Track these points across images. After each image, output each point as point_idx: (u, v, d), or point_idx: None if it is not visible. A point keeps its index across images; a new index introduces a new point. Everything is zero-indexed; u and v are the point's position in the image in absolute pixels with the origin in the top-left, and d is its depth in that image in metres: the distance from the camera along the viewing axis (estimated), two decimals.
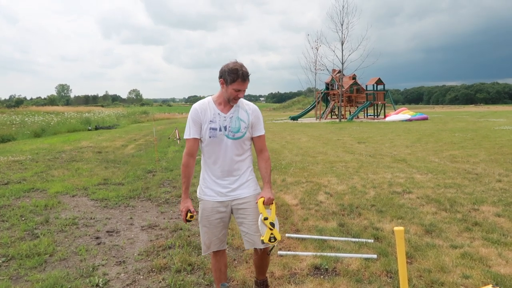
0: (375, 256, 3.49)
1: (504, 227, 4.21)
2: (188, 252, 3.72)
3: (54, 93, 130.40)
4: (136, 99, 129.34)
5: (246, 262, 3.49)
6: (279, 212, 4.92)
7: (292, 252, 3.64)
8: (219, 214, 2.52)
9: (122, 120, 30.38)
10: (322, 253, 3.57)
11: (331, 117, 33.21)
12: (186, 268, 3.39)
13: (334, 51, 31.82)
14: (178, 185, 6.74)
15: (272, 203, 2.43)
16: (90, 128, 23.27)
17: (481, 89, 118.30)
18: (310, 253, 3.60)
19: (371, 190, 6.03)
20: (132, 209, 5.37)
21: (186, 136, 2.48)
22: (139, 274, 3.34)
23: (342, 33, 30.51)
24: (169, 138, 15.65)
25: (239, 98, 2.43)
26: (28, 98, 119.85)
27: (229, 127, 2.44)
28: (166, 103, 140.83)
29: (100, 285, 3.14)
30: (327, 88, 34.02)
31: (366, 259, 3.44)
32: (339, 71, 31.42)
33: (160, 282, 3.18)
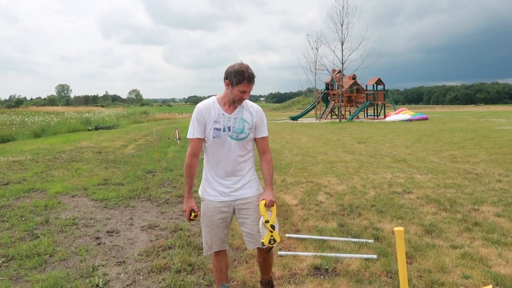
0: (375, 256, 3.49)
1: (504, 227, 4.21)
2: (188, 252, 3.72)
3: (54, 93, 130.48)
4: (136, 99, 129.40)
5: (246, 263, 3.50)
6: (279, 212, 4.92)
7: (292, 253, 3.64)
8: (222, 214, 2.52)
9: (122, 120, 30.38)
10: (322, 253, 3.57)
11: (331, 117, 33.22)
12: (186, 268, 3.39)
13: (334, 51, 31.86)
14: (178, 185, 6.74)
15: (273, 205, 2.44)
16: (90, 128, 23.27)
17: (481, 89, 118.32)
18: (310, 253, 3.60)
19: (371, 190, 6.03)
20: (132, 209, 5.37)
21: (189, 136, 2.46)
22: (139, 274, 3.34)
23: (342, 33, 30.57)
24: (169, 138, 15.66)
25: (244, 99, 2.44)
26: (28, 98, 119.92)
27: (233, 127, 2.44)
28: (166, 103, 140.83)
29: (100, 285, 3.14)
30: (327, 88, 34.03)
31: (366, 259, 3.44)
32: (339, 71, 31.43)
33: (160, 282, 3.18)
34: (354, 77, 32.83)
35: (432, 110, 52.07)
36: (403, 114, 28.21)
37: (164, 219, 4.92)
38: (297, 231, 4.28)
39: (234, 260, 3.57)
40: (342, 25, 30.44)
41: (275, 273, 3.22)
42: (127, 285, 3.16)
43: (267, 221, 2.35)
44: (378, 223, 4.45)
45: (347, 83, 32.44)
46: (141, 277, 3.29)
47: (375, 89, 32.71)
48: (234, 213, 2.57)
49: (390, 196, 5.62)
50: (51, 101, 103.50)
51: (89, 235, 4.35)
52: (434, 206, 5.10)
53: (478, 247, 3.66)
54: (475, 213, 4.75)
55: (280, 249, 3.74)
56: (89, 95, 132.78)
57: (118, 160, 9.89)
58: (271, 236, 2.36)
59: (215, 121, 2.42)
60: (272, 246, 2.48)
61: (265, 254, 2.64)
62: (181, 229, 4.44)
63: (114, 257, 3.74)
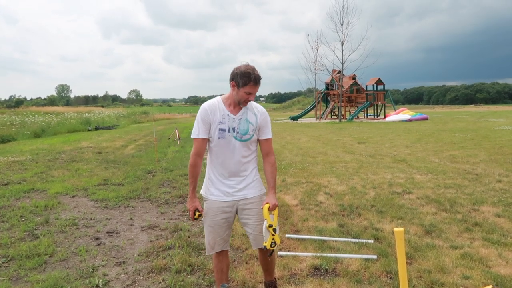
0: (375, 256, 3.49)
1: (504, 227, 4.21)
2: (188, 252, 3.72)
3: (54, 93, 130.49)
4: (136, 99, 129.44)
5: (246, 263, 3.50)
6: (279, 213, 4.92)
7: (292, 253, 3.64)
8: (225, 214, 2.53)
9: (122, 121, 30.39)
10: (322, 254, 3.57)
11: (331, 117, 33.22)
12: (186, 268, 3.39)
13: (334, 51, 31.86)
14: (178, 186, 6.74)
15: (275, 209, 2.45)
16: (90, 128, 23.27)
17: (481, 89, 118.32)
18: (310, 254, 3.60)
19: (371, 191, 6.03)
20: (132, 210, 5.37)
21: (194, 136, 2.46)
22: (139, 274, 3.34)
23: (342, 33, 30.57)
24: (169, 138, 15.65)
25: (250, 101, 2.44)
26: (28, 98, 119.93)
27: (237, 128, 2.44)
28: (166, 103, 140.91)
29: (100, 285, 3.14)
30: (327, 88, 34.03)
31: (366, 259, 3.45)
32: (339, 71, 31.44)
33: (160, 282, 3.18)
34: (354, 77, 32.84)
35: (432, 110, 52.08)
36: (403, 114, 28.22)
37: (164, 219, 4.92)
38: (297, 232, 4.28)
39: (234, 260, 3.57)
40: (342, 25, 30.47)
41: (275, 273, 3.22)
42: (127, 286, 3.16)
43: (270, 226, 2.36)
44: (378, 224, 4.46)
45: (347, 83, 32.44)
46: (141, 278, 3.29)
47: (375, 89, 32.71)
48: (237, 213, 2.58)
49: (390, 197, 5.62)
50: (51, 101, 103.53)
51: (89, 236, 4.35)
52: (434, 206, 5.10)
53: (478, 248, 3.66)
54: (475, 213, 4.75)
55: (280, 250, 3.74)
56: (89, 95, 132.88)
57: (118, 160, 9.89)
58: (273, 239, 2.37)
59: (220, 122, 2.42)
60: (274, 249, 2.49)
61: (266, 255, 2.64)
62: (181, 230, 4.44)
63: (114, 257, 3.74)
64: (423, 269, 3.22)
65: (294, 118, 32.66)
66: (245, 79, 2.33)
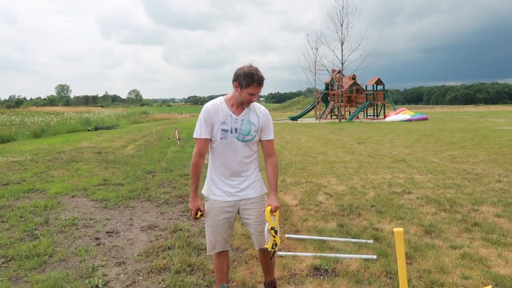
0: (374, 256, 3.49)
1: (503, 227, 4.21)
2: (187, 252, 3.72)
3: (54, 93, 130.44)
4: (136, 99, 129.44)
5: (246, 263, 3.50)
6: (279, 213, 4.91)
7: (292, 253, 3.64)
8: (226, 214, 2.53)
9: (122, 121, 30.37)
10: (321, 254, 3.57)
11: (331, 117, 33.22)
12: (186, 269, 3.39)
13: (333, 51, 31.92)
14: (177, 186, 6.74)
15: (277, 210, 2.45)
16: (89, 128, 23.27)
17: (480, 89, 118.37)
18: (309, 254, 3.60)
19: (370, 191, 6.03)
20: (132, 210, 5.37)
21: (196, 136, 2.46)
22: (139, 275, 3.34)
23: (341, 33, 30.57)
24: (168, 138, 15.65)
25: (253, 102, 2.44)
26: (28, 98, 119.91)
27: (239, 129, 2.45)
28: (166, 103, 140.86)
29: (100, 286, 3.14)
30: (326, 88, 34.04)
31: (366, 259, 3.45)
32: (339, 71, 31.45)
33: (160, 283, 3.18)
34: (353, 77, 32.85)
35: (431, 110, 52.10)
36: (402, 114, 28.22)
37: (163, 219, 4.92)
38: (297, 232, 4.28)
39: (234, 260, 3.57)
40: (342, 25, 30.47)
41: (275, 273, 3.22)
42: (127, 286, 3.16)
43: (272, 228, 2.37)
44: (378, 224, 4.46)
45: (346, 83, 32.45)
46: (141, 278, 3.29)
47: (374, 89, 32.72)
48: (238, 213, 2.58)
49: (390, 197, 5.62)
50: (50, 101, 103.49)
51: (89, 236, 4.35)
52: (434, 206, 5.10)
53: (478, 248, 3.66)
54: (474, 213, 4.75)
55: (280, 250, 3.74)
56: (89, 95, 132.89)
57: (117, 160, 9.89)
58: (274, 240, 2.38)
59: (222, 122, 2.43)
60: (275, 251, 2.50)
61: (266, 255, 2.65)
62: (181, 230, 4.44)
63: (113, 257, 3.74)
64: (423, 269, 3.22)
65: (294, 118, 32.66)
66: (248, 80, 2.33)
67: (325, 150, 11.19)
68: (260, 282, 3.09)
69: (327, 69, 32.23)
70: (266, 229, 2.37)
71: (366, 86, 33.43)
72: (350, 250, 3.71)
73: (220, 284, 2.66)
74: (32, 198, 6.05)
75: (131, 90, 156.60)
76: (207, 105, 2.46)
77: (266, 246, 2.38)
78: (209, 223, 2.56)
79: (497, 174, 7.01)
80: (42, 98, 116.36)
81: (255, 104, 2.52)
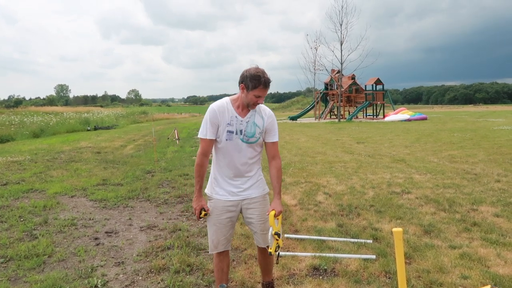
0: (374, 256, 3.50)
1: (502, 227, 4.22)
2: (187, 252, 3.72)
3: (53, 93, 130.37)
4: (135, 99, 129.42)
5: (245, 263, 3.50)
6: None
7: (291, 253, 3.64)
8: (230, 213, 2.55)
9: (121, 120, 30.35)
10: (321, 254, 3.57)
11: (330, 117, 33.23)
12: (185, 269, 3.39)
13: (333, 51, 31.89)
14: (177, 186, 6.74)
15: (280, 214, 2.47)
16: (89, 128, 23.25)
17: (480, 89, 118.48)
18: (309, 254, 3.60)
19: (370, 191, 6.03)
20: (131, 210, 5.37)
21: (202, 136, 2.46)
22: (138, 275, 3.34)
23: (341, 33, 30.56)
24: (168, 138, 15.65)
25: (259, 104, 2.44)
26: (27, 98, 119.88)
27: (244, 131, 2.46)
28: (165, 103, 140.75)
29: (99, 286, 3.14)
30: (326, 88, 34.05)
31: (365, 259, 3.45)
32: (338, 71, 31.45)
33: (159, 283, 3.18)
34: (353, 77, 32.86)
35: (431, 110, 52.14)
36: (402, 114, 28.24)
37: (163, 219, 4.92)
38: (296, 232, 4.28)
39: (233, 260, 3.57)
40: (341, 25, 30.46)
41: (274, 273, 3.22)
42: (126, 286, 3.16)
43: (276, 233, 2.39)
44: (377, 223, 4.46)
45: (346, 83, 32.46)
46: (140, 278, 3.29)
47: (374, 89, 32.72)
48: (241, 212, 2.60)
49: (389, 196, 5.62)
50: (50, 101, 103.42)
51: (88, 236, 4.34)
52: (433, 206, 5.10)
53: (477, 247, 3.66)
54: (473, 213, 4.76)
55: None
56: (88, 95, 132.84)
57: (117, 160, 9.88)
58: (277, 244, 2.41)
59: (228, 124, 2.43)
60: (279, 253, 2.53)
61: (266, 254, 2.67)
62: (180, 230, 4.43)
63: (113, 257, 3.74)
64: (422, 269, 3.22)
65: (293, 118, 32.67)
66: (255, 82, 2.33)
67: (325, 150, 11.20)
68: (259, 282, 3.09)
69: (326, 69, 32.25)
70: (270, 234, 2.39)
71: (365, 86, 33.44)
72: (349, 250, 3.71)
73: (220, 284, 2.67)
74: (31, 198, 6.04)
75: (130, 90, 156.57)
76: (213, 105, 2.46)
77: (270, 250, 2.40)
78: (212, 222, 2.57)
79: (496, 174, 7.01)
80: (42, 98, 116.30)
81: (261, 106, 2.52)
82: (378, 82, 32.46)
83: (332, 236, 4.05)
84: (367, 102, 31.78)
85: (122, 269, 3.46)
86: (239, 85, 2.40)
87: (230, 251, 3.74)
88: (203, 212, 2.51)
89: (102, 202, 5.74)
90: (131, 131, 20.92)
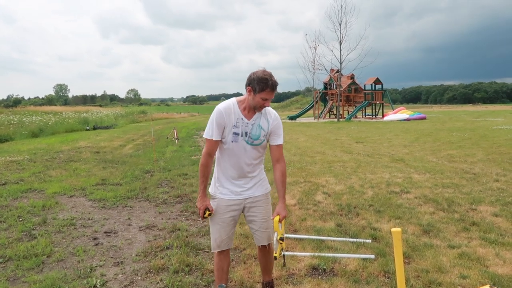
0: (373, 256, 3.50)
1: (501, 227, 4.22)
2: (186, 252, 3.72)
3: (52, 93, 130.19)
4: (134, 99, 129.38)
5: (244, 263, 3.50)
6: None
7: (290, 253, 3.64)
8: (233, 212, 2.57)
9: (120, 120, 30.32)
10: (320, 254, 3.57)
11: (329, 116, 33.24)
12: (184, 268, 3.39)
13: (332, 51, 31.82)
14: (176, 185, 6.74)
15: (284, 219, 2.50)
16: (88, 128, 23.22)
17: (479, 88, 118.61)
18: (308, 254, 3.60)
19: (369, 190, 6.03)
20: (130, 210, 5.37)
21: (208, 137, 2.46)
22: (137, 275, 3.34)
23: (340, 32, 30.49)
24: (167, 138, 15.64)
25: (266, 106, 2.45)
26: (26, 98, 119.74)
27: (249, 133, 2.47)
28: (164, 103, 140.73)
29: (98, 286, 3.14)
30: (325, 87, 34.06)
31: (364, 259, 3.45)
32: (337, 71, 31.45)
33: (158, 283, 3.18)
34: (352, 77, 32.86)
35: (430, 110, 52.17)
36: (401, 113, 28.26)
37: (162, 219, 4.92)
38: (295, 231, 4.28)
39: (232, 260, 3.56)
40: (340, 24, 30.41)
41: (273, 273, 3.22)
42: (125, 286, 3.15)
43: (281, 238, 2.41)
44: (376, 223, 4.46)
45: (345, 82, 32.47)
46: (139, 278, 3.28)
47: (373, 88, 32.75)
48: (243, 211, 2.62)
49: (388, 196, 5.62)
50: (49, 100, 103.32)
51: (87, 236, 4.34)
52: (432, 206, 5.11)
53: (476, 247, 3.67)
54: (472, 212, 4.76)
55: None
56: (87, 94, 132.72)
57: (116, 160, 9.88)
58: (281, 247, 2.43)
59: (234, 126, 2.44)
60: (284, 255, 2.56)
61: (266, 253, 2.71)
62: (179, 229, 4.43)
63: (112, 257, 3.74)
64: (421, 269, 3.22)
65: (292, 118, 32.67)
66: (262, 85, 2.34)
67: (324, 150, 11.20)
68: (258, 282, 3.09)
69: (325, 69, 32.23)
70: (275, 239, 2.41)
71: (364, 85, 33.47)
72: (348, 249, 3.71)
73: (219, 283, 2.68)
74: (30, 198, 6.03)
75: (129, 90, 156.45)
76: (220, 107, 2.46)
77: (275, 254, 2.42)
78: (215, 221, 2.59)
79: (495, 174, 7.02)
80: (40, 97, 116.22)
81: (267, 109, 2.53)
82: (377, 81, 32.48)
83: (331, 236, 4.05)
84: (366, 101, 31.79)
85: (121, 269, 3.46)
86: (246, 88, 2.41)
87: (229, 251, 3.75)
88: (207, 212, 2.52)
89: (101, 202, 5.73)
90: (130, 131, 20.91)
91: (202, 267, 3.42)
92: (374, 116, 32.03)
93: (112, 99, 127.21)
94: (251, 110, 2.46)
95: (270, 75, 2.36)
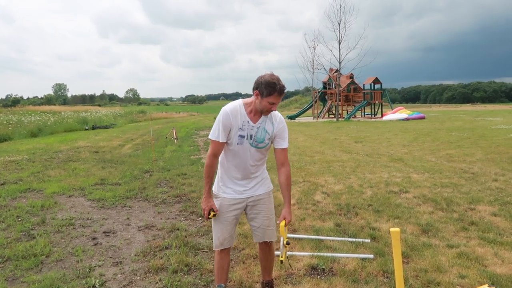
0: (371, 256, 3.50)
1: (500, 226, 4.23)
2: (185, 252, 3.72)
3: (51, 92, 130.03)
4: (133, 98, 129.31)
5: (243, 263, 3.50)
6: (277, 212, 4.91)
7: (289, 253, 3.64)
8: (235, 211, 2.60)
9: (119, 120, 30.29)
10: (319, 253, 3.58)
11: (329, 116, 33.25)
12: (183, 268, 3.39)
13: (331, 50, 31.90)
14: (175, 185, 6.73)
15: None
16: (87, 127, 23.20)
17: (478, 88, 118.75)
18: (307, 253, 3.61)
19: (368, 190, 6.04)
20: (129, 210, 5.36)
21: (213, 138, 2.47)
22: (136, 274, 3.34)
23: (339, 32, 30.52)
24: (166, 137, 15.63)
25: (272, 111, 2.46)
26: (25, 97, 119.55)
27: (254, 136, 2.48)
28: (163, 102, 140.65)
29: (97, 286, 3.14)
30: (324, 87, 34.07)
31: (363, 259, 3.45)
32: (337, 70, 31.47)
33: (157, 283, 3.18)
34: (351, 76, 32.88)
35: (429, 109, 52.24)
36: (400, 113, 28.28)
37: (161, 219, 4.92)
38: (294, 231, 4.28)
39: (231, 260, 3.56)
40: (339, 24, 30.43)
41: (273, 273, 3.22)
42: (124, 286, 3.15)
43: (288, 243, 2.44)
44: (375, 223, 4.46)
45: (344, 82, 32.48)
46: (138, 278, 3.28)
47: (372, 88, 32.79)
48: (245, 209, 2.65)
49: (387, 196, 5.63)
50: (48, 100, 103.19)
51: (86, 236, 4.34)
52: (431, 205, 5.11)
53: (474, 247, 3.67)
54: (471, 212, 4.77)
55: (277, 249, 3.73)
56: (86, 94, 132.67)
57: (115, 159, 9.87)
58: (286, 250, 2.47)
59: (240, 128, 2.45)
60: (288, 257, 2.59)
61: (267, 252, 2.76)
62: (178, 229, 4.43)
63: (110, 257, 3.74)
64: (420, 268, 3.23)
65: (291, 117, 32.68)
66: (270, 89, 2.34)
67: (323, 149, 11.20)
68: (257, 282, 3.10)
69: (324, 68, 32.27)
70: (281, 244, 2.44)
71: (363, 85, 33.50)
72: (347, 249, 3.71)
73: (219, 283, 2.69)
74: (29, 198, 6.03)
75: (128, 89, 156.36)
76: (227, 109, 2.45)
77: (281, 258, 2.45)
78: (218, 220, 2.61)
79: (494, 173, 7.03)
80: (39, 97, 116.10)
81: (273, 112, 2.54)
82: (376, 81, 32.52)
83: (330, 236, 4.05)
84: (365, 101, 31.82)
85: (120, 269, 3.46)
86: (253, 91, 2.42)
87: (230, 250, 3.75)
88: (212, 213, 2.54)
89: (100, 202, 5.73)
90: (129, 131, 20.89)
91: (201, 267, 3.41)
92: (373, 116, 32.06)
93: (111, 99, 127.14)
94: (257, 113, 2.47)
95: (278, 79, 2.36)
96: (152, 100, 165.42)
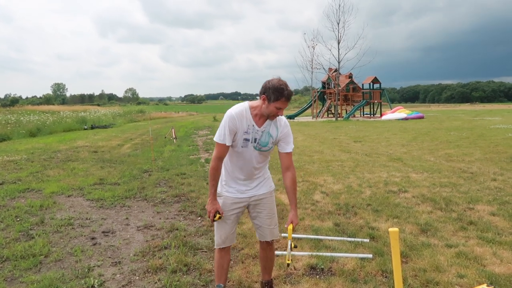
0: (370, 255, 3.51)
1: (498, 226, 4.24)
2: (184, 252, 3.72)
3: (50, 92, 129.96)
4: (132, 98, 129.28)
5: (242, 262, 3.50)
6: (276, 211, 4.92)
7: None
8: (238, 210, 2.63)
9: (118, 119, 30.26)
10: (318, 253, 3.58)
11: (328, 116, 33.28)
12: (182, 268, 3.39)
13: (330, 50, 32.08)
14: (174, 185, 6.73)
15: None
16: (86, 127, 23.17)
17: (476, 87, 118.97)
18: (306, 253, 3.61)
19: (367, 189, 6.04)
20: (128, 209, 5.36)
21: (219, 141, 2.46)
22: (135, 274, 3.34)
23: (338, 32, 30.56)
24: (165, 137, 15.62)
25: (279, 115, 2.47)
26: (24, 97, 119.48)
27: (259, 140, 2.50)
28: (162, 102, 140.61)
29: (96, 286, 3.13)
30: (323, 87, 34.09)
31: (362, 258, 3.46)
32: (336, 70, 31.49)
33: (156, 282, 3.18)
34: (350, 76, 32.92)
35: (428, 109, 52.30)
36: (399, 112, 28.32)
37: (160, 219, 4.92)
38: (293, 231, 4.28)
39: (230, 260, 3.56)
40: (338, 23, 30.47)
41: (272, 273, 3.23)
42: (123, 286, 3.15)
43: (295, 246, 2.48)
44: (374, 222, 4.47)
45: (343, 81, 32.51)
46: (137, 278, 3.28)
47: (371, 87, 32.83)
48: (247, 208, 2.68)
49: (386, 195, 5.63)
50: (47, 100, 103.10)
51: (85, 236, 4.33)
52: (430, 205, 5.12)
53: (473, 246, 3.68)
54: (470, 212, 4.78)
55: (276, 249, 3.74)
56: (85, 94, 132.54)
57: (114, 159, 9.86)
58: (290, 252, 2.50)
59: (245, 132, 2.46)
60: (291, 259, 2.65)
61: (268, 251, 2.78)
62: (177, 229, 4.43)
63: (109, 257, 3.73)
64: (418, 268, 3.23)
65: (290, 117, 32.69)
66: (277, 95, 2.34)
67: (322, 149, 11.21)
68: (256, 282, 3.10)
69: (323, 68, 32.29)
70: (288, 247, 2.46)
71: (362, 84, 33.53)
72: (346, 249, 3.72)
73: (219, 282, 2.71)
74: (27, 197, 6.02)
75: (127, 89, 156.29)
76: (232, 112, 2.45)
77: (288, 261, 2.46)
78: (221, 219, 2.62)
79: (493, 173, 7.04)
80: (38, 96, 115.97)
81: (278, 117, 2.54)
82: (375, 80, 32.55)
83: (329, 235, 4.06)
84: (364, 100, 31.85)
85: (119, 269, 3.45)
86: (260, 96, 2.42)
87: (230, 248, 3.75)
88: (217, 215, 2.55)
89: (99, 202, 5.72)
90: (128, 130, 20.87)
91: (200, 267, 3.41)
92: (372, 115, 32.09)
93: (110, 98, 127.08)
94: (263, 117, 2.48)
95: (286, 85, 2.37)
96: (151, 99, 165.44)
